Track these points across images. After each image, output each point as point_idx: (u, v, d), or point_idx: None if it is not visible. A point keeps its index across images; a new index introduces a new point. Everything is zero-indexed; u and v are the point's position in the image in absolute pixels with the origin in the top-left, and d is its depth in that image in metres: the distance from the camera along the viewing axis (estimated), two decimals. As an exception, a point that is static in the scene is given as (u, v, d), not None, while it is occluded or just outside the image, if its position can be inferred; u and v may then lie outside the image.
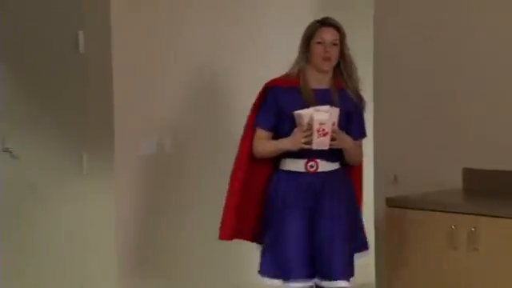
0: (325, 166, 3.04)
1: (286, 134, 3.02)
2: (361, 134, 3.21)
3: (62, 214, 4.87)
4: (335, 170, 3.11)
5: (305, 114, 2.86)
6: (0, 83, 5.33)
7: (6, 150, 5.13)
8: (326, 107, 2.88)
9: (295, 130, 2.93)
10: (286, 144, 2.99)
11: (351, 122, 3.09)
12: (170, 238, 4.76)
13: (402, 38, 4.33)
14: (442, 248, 3.27)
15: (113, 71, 4.47)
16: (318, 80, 3.05)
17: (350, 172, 3.27)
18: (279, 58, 3.80)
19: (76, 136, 4.71)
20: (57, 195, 4.90)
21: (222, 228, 3.16)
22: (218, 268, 4.97)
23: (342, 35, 3.05)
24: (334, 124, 2.88)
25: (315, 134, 2.83)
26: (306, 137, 2.86)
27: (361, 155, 3.24)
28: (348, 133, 3.04)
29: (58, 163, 4.85)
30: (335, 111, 2.89)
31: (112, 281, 4.64)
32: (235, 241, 3.36)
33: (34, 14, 4.96)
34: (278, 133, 3.10)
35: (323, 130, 2.82)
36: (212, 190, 4.77)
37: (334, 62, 3.03)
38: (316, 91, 3.04)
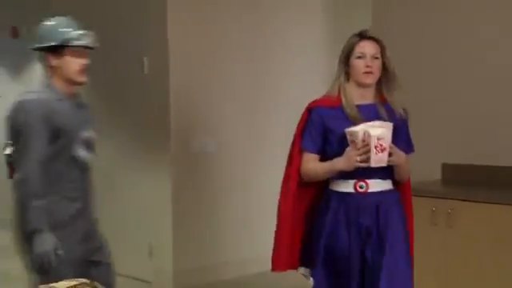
0: (376, 185, 2.57)
1: (334, 156, 2.57)
2: (410, 147, 2.70)
3: (130, 195, 5.36)
4: (389, 190, 2.64)
5: (359, 130, 2.42)
6: (84, 94, 5.76)
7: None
8: (378, 122, 2.48)
9: (348, 149, 2.47)
10: (340, 164, 2.51)
11: (399, 136, 2.57)
12: (208, 214, 5.15)
13: (386, 34, 4.28)
14: (425, 225, 3.41)
15: (169, 86, 4.99)
16: (361, 95, 2.60)
17: (400, 191, 2.76)
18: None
19: (140, 137, 5.24)
20: (126, 182, 5.40)
21: (275, 259, 2.67)
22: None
23: (382, 47, 2.61)
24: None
25: (373, 151, 2.40)
26: (361, 155, 2.41)
27: (409, 171, 2.71)
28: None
29: (127, 159, 5.39)
30: (389, 126, 2.46)
31: (169, 243, 5.07)
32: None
33: (114, 44, 5.35)
34: (326, 155, 2.64)
35: (381, 145, 2.39)
36: (247, 185, 5.32)
37: (377, 75, 2.59)
38: (360, 107, 2.59)
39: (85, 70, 2.69)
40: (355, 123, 2.46)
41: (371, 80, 2.56)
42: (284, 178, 2.69)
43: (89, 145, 2.80)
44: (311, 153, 2.62)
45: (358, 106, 2.55)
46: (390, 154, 2.40)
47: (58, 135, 2.64)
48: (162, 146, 5.14)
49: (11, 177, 2.73)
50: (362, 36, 2.58)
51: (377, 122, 2.45)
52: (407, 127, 2.66)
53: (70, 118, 2.70)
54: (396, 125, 2.48)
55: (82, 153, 2.75)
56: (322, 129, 2.60)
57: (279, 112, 5.45)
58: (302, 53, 5.74)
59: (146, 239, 5.30)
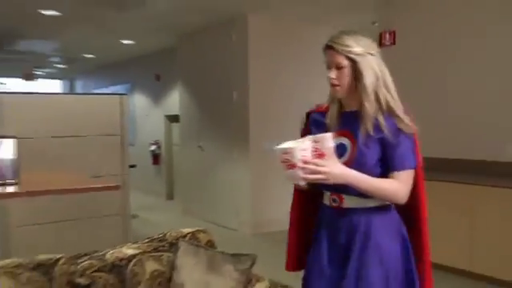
0: (351, 201, 1.95)
1: None
2: (401, 164, 1.91)
3: (226, 177, 6.45)
4: (370, 208, 1.95)
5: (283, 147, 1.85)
6: (195, 116, 7.12)
7: (199, 146, 6.92)
8: (320, 136, 1.86)
9: None
10: None
11: (387, 150, 1.92)
12: (271, 188, 5.89)
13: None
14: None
15: (249, 110, 6.14)
16: (346, 103, 2.01)
17: (407, 214, 2.01)
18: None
19: (231, 141, 6.45)
20: (223, 169, 6.56)
21: (287, 259, 2.21)
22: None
23: (346, 55, 1.91)
24: (317, 154, 1.82)
25: (283, 166, 1.85)
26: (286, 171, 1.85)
27: (396, 193, 1.91)
28: (385, 163, 1.91)
29: (223, 153, 6.58)
30: (320, 138, 1.83)
31: (249, 206, 6.09)
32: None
33: (216, 84, 6.67)
34: None
35: (287, 160, 1.82)
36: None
37: (344, 87, 1.94)
38: (343, 114, 2.01)
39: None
40: (328, 131, 1.93)
41: (336, 93, 1.97)
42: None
43: None
44: None
45: (342, 114, 2.02)
46: (314, 172, 1.79)
47: None
48: (245, 147, 6.22)
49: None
50: (326, 45, 1.96)
51: (310, 136, 1.86)
52: (398, 142, 1.90)
53: None
54: (382, 138, 1.89)
55: None
56: (309, 133, 2.01)
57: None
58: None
59: (235, 203, 6.32)
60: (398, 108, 1.94)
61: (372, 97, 1.93)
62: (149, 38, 7.97)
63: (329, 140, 1.84)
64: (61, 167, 4.24)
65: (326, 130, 1.97)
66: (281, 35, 6.36)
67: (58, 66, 12.05)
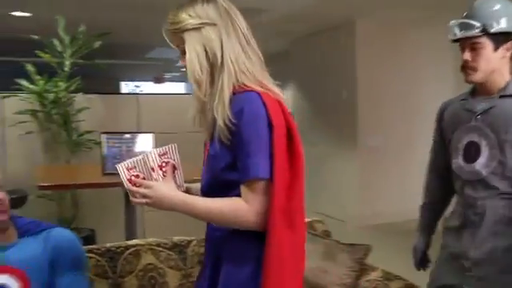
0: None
1: None
2: (242, 173, 1.30)
3: (334, 172, 6.54)
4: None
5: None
6: (307, 114, 7.28)
7: (310, 142, 6.51)
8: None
9: None
10: None
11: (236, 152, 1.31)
12: (379, 182, 6.13)
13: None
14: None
15: (357, 107, 6.17)
16: None
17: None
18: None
19: (340, 135, 6.51)
20: (332, 164, 6.62)
21: None
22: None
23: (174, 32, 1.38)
24: (141, 174, 1.37)
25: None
26: None
27: (236, 215, 1.30)
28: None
29: (332, 148, 6.67)
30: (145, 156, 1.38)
31: (356, 198, 6.15)
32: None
33: (327, 83, 6.79)
34: None
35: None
36: (401, 163, 6.18)
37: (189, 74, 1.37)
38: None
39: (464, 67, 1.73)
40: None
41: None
42: None
43: None
44: None
45: None
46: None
47: None
48: (353, 142, 6.27)
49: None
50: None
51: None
52: (237, 139, 1.29)
53: None
54: (219, 139, 1.31)
55: None
56: None
57: (423, 118, 5.65)
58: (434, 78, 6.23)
59: (343, 195, 6.39)
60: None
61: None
62: (263, 42, 8.05)
63: (171, 151, 1.41)
64: (193, 161, 4.45)
65: None
66: (388, 39, 6.29)
67: (183, 69, 12.57)
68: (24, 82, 4.31)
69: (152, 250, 2.15)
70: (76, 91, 4.46)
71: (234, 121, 1.28)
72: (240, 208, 1.30)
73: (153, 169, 1.38)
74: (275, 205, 1.28)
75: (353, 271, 2.16)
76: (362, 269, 2.21)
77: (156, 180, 1.37)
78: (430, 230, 2.07)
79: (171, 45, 1.41)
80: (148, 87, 13.05)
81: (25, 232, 1.69)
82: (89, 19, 4.45)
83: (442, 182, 1.99)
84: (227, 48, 1.36)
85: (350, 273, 2.15)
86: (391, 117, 6.27)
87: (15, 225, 1.69)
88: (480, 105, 1.78)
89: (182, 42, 1.37)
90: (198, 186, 1.46)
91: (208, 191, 1.38)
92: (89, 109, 4.52)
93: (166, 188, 1.36)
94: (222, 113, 1.30)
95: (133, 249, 2.13)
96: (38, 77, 4.35)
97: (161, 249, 2.17)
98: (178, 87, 16.19)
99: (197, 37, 1.35)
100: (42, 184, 2.69)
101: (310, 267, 2.19)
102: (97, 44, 4.41)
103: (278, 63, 9.93)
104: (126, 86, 14.23)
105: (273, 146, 1.29)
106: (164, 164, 1.36)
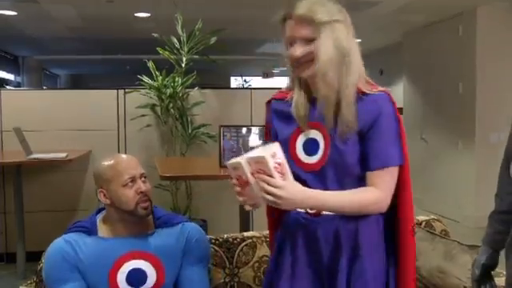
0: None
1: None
2: (373, 161, 1.40)
3: (449, 171, 6.21)
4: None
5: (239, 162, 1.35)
6: (419, 108, 7.05)
7: (422, 138, 6.78)
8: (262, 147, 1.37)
9: None
10: None
11: (365, 143, 1.41)
12: None
13: None
14: None
15: (476, 102, 5.88)
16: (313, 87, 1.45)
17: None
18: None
19: (456, 132, 6.21)
20: (446, 161, 6.36)
21: None
22: None
23: (316, 26, 1.37)
24: (264, 169, 1.30)
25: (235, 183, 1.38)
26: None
27: (376, 203, 1.41)
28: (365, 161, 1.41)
29: (447, 145, 6.36)
30: (267, 149, 1.33)
31: (473, 198, 5.86)
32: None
33: (443, 77, 6.50)
34: None
35: (239, 177, 1.35)
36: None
37: (309, 64, 1.39)
38: (313, 100, 1.45)
39: None
40: (298, 126, 1.46)
41: (300, 73, 1.44)
42: None
43: None
44: None
45: (312, 100, 1.46)
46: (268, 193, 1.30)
47: None
48: (471, 139, 5.96)
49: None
50: (287, 15, 1.43)
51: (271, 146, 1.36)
52: (379, 127, 1.40)
53: None
54: (360, 130, 1.40)
55: None
56: (272, 123, 1.57)
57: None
58: None
59: (458, 195, 6.09)
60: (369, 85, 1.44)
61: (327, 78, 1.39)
62: (375, 35, 7.96)
63: (278, 151, 1.34)
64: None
65: (293, 123, 1.47)
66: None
67: (292, 64, 12.62)
68: (145, 78, 4.57)
69: (268, 242, 2.18)
70: (191, 86, 4.65)
71: (368, 118, 1.41)
72: (374, 195, 1.41)
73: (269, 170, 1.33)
74: (410, 190, 1.45)
75: (475, 274, 2.04)
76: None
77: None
78: (496, 244, 1.70)
79: (293, 33, 1.42)
80: (256, 82, 13.28)
81: (162, 223, 1.82)
82: (205, 16, 4.60)
83: None
84: (352, 46, 1.43)
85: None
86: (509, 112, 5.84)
87: (154, 215, 1.81)
88: None
89: (310, 32, 1.39)
90: None
91: (334, 186, 1.43)
92: (203, 103, 4.70)
93: (296, 188, 1.36)
94: (351, 109, 1.40)
95: (249, 240, 2.18)
96: (158, 73, 4.58)
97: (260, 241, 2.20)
98: (286, 82, 16.35)
99: (330, 31, 1.39)
100: (164, 174, 2.82)
101: (430, 267, 2.13)
102: (212, 40, 4.56)
103: (389, 56, 9.83)
104: (235, 81, 14.60)
105: (401, 137, 1.43)
106: (277, 165, 1.33)
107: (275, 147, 1.35)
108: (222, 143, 2.78)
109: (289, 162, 1.37)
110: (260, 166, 1.31)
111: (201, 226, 1.85)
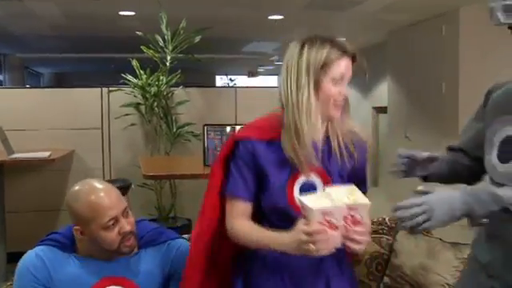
0: None
1: (271, 209, 1.45)
2: (366, 187, 1.60)
3: None
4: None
5: (315, 208, 1.27)
6: (403, 107, 7.06)
7: (406, 137, 6.79)
8: (343, 187, 1.35)
9: (300, 223, 1.30)
10: (285, 244, 1.33)
11: (358, 176, 1.53)
12: None
13: None
14: None
15: (458, 102, 5.86)
16: (315, 132, 1.44)
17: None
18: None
19: (439, 131, 6.16)
20: None
21: None
22: None
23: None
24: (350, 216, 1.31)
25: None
26: (315, 242, 1.27)
27: None
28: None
29: (430, 144, 5.63)
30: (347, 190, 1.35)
31: None
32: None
33: (425, 76, 6.49)
34: (260, 206, 1.48)
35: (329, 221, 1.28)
36: None
37: (344, 105, 1.50)
38: (314, 146, 1.43)
39: None
40: (297, 172, 1.43)
41: (338, 112, 1.48)
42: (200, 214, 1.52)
43: None
44: (243, 200, 1.45)
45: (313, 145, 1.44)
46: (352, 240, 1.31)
47: None
48: (453, 137, 5.40)
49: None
50: (346, 50, 1.47)
51: (342, 187, 1.36)
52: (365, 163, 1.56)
53: None
54: (358, 161, 1.51)
55: None
56: (255, 168, 1.46)
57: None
58: None
59: None
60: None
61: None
62: (359, 35, 8.02)
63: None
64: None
65: (291, 170, 1.44)
66: (495, 27, 5.87)
67: (277, 63, 12.69)
68: (129, 77, 4.55)
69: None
70: (176, 85, 4.64)
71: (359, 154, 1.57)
72: None
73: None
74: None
75: (458, 271, 2.06)
76: (468, 270, 2.11)
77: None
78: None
79: (348, 71, 1.51)
80: (242, 81, 13.28)
81: (147, 243, 1.67)
82: (190, 15, 4.59)
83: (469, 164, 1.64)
84: None
85: (454, 273, 2.06)
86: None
87: (138, 233, 1.65)
88: None
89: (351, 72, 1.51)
90: None
91: None
92: (188, 101, 4.69)
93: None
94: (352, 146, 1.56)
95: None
96: (142, 71, 4.57)
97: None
98: (271, 80, 16.39)
99: None
100: (147, 174, 2.81)
101: (412, 264, 2.15)
102: (197, 39, 4.56)
103: (373, 55, 9.88)
104: (220, 80, 14.59)
105: None
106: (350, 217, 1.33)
107: (358, 205, 1.35)
108: (206, 142, 2.78)
109: (288, 207, 1.41)
110: (353, 212, 1.33)
111: (185, 225, 1.80)
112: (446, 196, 1.33)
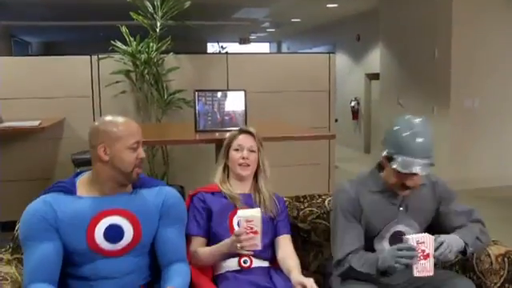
0: (259, 261, 2.01)
1: (222, 236, 1.97)
2: (288, 229, 2.11)
3: None
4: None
5: (243, 215, 1.83)
6: (396, 73, 7.08)
7: (399, 103, 6.84)
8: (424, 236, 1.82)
9: (236, 230, 1.85)
10: (227, 245, 1.90)
11: (277, 222, 2.08)
12: (468, 146, 5.89)
13: None
14: None
15: (451, 67, 5.90)
16: (239, 186, 2.13)
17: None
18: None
19: (431, 97, 6.25)
20: None
21: None
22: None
23: (258, 142, 2.16)
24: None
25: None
26: (241, 241, 1.81)
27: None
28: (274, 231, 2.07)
29: (422, 110, 6.21)
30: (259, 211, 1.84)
31: (448, 167, 5.75)
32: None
33: (421, 44, 6.52)
34: (215, 238, 2.01)
35: (251, 228, 1.79)
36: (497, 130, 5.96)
37: (253, 167, 2.12)
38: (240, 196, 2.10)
39: None
40: (235, 206, 2.03)
41: (245, 172, 2.11)
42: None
43: None
44: (197, 236, 2.01)
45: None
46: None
47: None
48: (445, 103, 6.02)
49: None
50: (242, 131, 2.19)
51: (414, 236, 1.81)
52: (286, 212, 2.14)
53: None
54: (277, 212, 2.08)
55: None
56: (205, 211, 2.06)
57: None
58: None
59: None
60: None
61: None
62: (351, 0, 7.94)
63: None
64: (279, 118, 4.51)
65: (232, 205, 2.08)
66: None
67: (269, 30, 12.56)
68: (119, 44, 4.47)
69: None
70: (166, 52, 4.57)
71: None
72: None
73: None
74: None
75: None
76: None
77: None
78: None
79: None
80: (234, 48, 13.14)
81: (141, 184, 1.86)
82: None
83: None
84: None
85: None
86: (487, 79, 6.00)
87: None
88: None
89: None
90: None
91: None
92: (178, 68, 4.64)
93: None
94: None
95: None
96: (132, 38, 4.49)
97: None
98: (263, 47, 16.25)
99: None
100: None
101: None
102: (187, 4, 4.47)
103: (364, 21, 9.83)
104: (212, 47, 14.43)
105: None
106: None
107: (426, 237, 1.83)
108: (198, 108, 2.76)
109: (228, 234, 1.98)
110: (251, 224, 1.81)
111: (178, 192, 1.85)
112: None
